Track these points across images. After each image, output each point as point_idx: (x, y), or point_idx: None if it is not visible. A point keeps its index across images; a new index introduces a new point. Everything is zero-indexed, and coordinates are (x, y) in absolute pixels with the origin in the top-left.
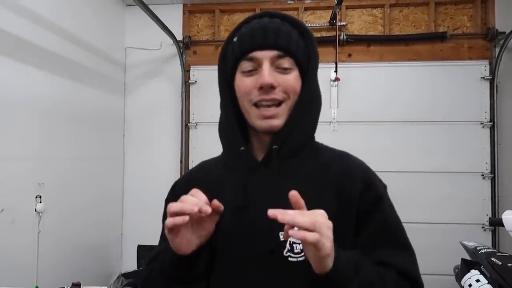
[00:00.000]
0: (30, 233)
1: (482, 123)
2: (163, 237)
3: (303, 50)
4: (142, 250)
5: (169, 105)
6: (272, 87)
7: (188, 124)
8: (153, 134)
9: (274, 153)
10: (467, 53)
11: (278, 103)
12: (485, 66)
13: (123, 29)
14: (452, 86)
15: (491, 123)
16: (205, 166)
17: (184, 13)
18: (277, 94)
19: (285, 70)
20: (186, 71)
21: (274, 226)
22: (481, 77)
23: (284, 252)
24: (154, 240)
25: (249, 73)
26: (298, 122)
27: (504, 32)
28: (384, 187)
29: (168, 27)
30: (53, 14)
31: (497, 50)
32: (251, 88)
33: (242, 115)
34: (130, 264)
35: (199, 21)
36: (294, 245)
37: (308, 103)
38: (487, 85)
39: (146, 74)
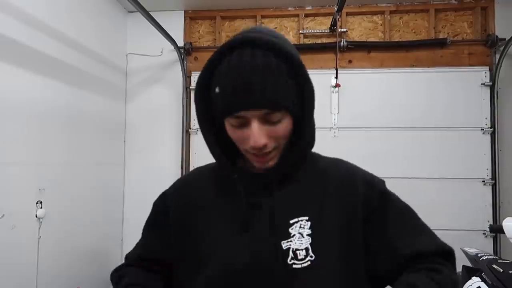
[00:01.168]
0: (30, 238)
1: (483, 129)
2: (140, 242)
3: (294, 93)
4: None
5: (170, 111)
6: (264, 145)
7: (189, 130)
8: (154, 140)
9: (274, 184)
10: (467, 60)
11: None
12: (485, 73)
13: (124, 36)
14: (453, 92)
15: (492, 129)
16: (199, 177)
17: (185, 20)
18: (269, 147)
19: (275, 123)
20: (187, 77)
21: (277, 236)
22: (481, 83)
23: (288, 260)
24: None
25: (238, 127)
26: (294, 159)
27: (504, 39)
28: (383, 182)
29: (170, 34)
30: (55, 21)
31: (497, 56)
32: (242, 139)
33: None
34: None
35: (200, 27)
36: (297, 251)
37: (305, 145)
38: (487, 91)
39: (147, 80)
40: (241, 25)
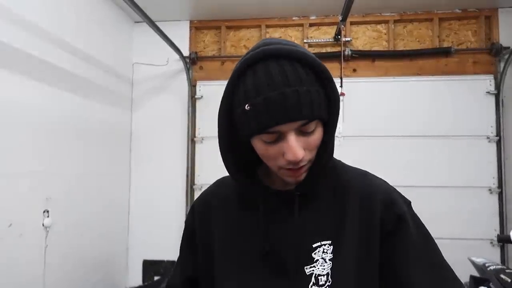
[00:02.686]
0: (37, 247)
1: (489, 138)
2: (177, 263)
3: (324, 102)
4: (148, 265)
5: (176, 120)
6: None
7: (194, 139)
8: (160, 149)
9: (296, 199)
10: (472, 68)
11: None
12: (490, 81)
13: (130, 45)
14: (458, 101)
15: (498, 138)
16: (221, 190)
17: (190, 29)
18: (304, 161)
19: (309, 134)
20: (192, 86)
21: (300, 260)
22: (486, 92)
23: (310, 285)
24: (160, 255)
25: (272, 143)
26: (321, 169)
27: (509, 47)
28: (408, 203)
29: (175, 43)
30: (62, 31)
31: (502, 65)
32: (276, 155)
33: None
34: (136, 278)
35: (206, 37)
36: (319, 277)
37: (330, 152)
38: (492, 99)
39: (153, 90)
40: (246, 35)
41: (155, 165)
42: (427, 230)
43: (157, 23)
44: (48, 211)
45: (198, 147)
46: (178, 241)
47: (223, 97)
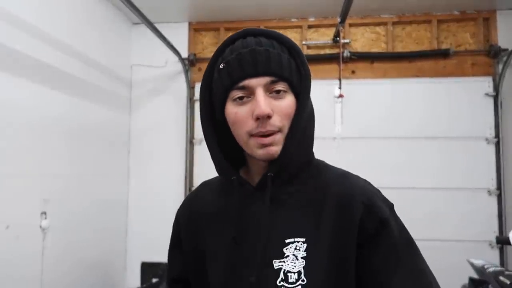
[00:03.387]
0: (34, 249)
1: (487, 139)
2: (167, 266)
3: (295, 72)
4: (146, 267)
5: (174, 122)
6: (268, 117)
7: (193, 140)
8: (158, 151)
9: (269, 181)
10: (470, 70)
11: (275, 132)
12: (488, 83)
13: (129, 47)
14: (456, 103)
15: (496, 139)
16: (204, 192)
17: (189, 31)
18: (274, 125)
19: (278, 95)
20: (191, 88)
21: (269, 253)
22: (485, 94)
23: (278, 281)
24: (158, 257)
25: (241, 100)
26: (295, 148)
27: (507, 49)
28: (390, 206)
29: (174, 45)
30: (60, 33)
31: (500, 66)
32: (245, 118)
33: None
34: (134, 280)
35: (204, 38)
36: (289, 274)
37: (303, 128)
38: (491, 101)
39: (152, 91)
40: None
41: (153, 166)
42: (409, 234)
43: (156, 25)
44: (45, 213)
45: (196, 148)
46: None
47: (202, 80)
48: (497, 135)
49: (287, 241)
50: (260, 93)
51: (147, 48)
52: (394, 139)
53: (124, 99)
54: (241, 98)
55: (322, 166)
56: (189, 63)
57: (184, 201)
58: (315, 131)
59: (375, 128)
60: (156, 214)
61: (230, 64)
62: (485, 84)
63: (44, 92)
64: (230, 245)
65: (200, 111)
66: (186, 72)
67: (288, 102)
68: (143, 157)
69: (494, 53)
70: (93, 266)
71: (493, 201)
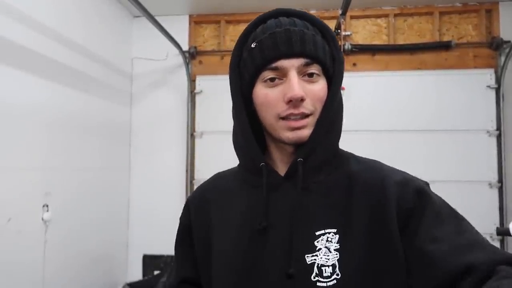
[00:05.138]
0: (36, 242)
1: (489, 132)
2: (174, 265)
3: (329, 55)
4: (148, 260)
5: (175, 115)
6: (301, 100)
7: (194, 134)
8: (160, 144)
9: (300, 166)
10: (472, 62)
11: (307, 115)
12: (490, 75)
13: (130, 40)
14: (458, 95)
15: (498, 132)
16: (218, 183)
17: (190, 24)
18: (306, 108)
19: (312, 78)
20: (192, 81)
21: (300, 247)
22: (486, 86)
23: (312, 276)
24: (160, 250)
25: (272, 82)
26: (324, 133)
27: (509, 41)
28: (426, 183)
29: (174, 38)
30: (61, 25)
31: (503, 59)
32: (276, 101)
33: (258, 124)
34: (136, 273)
35: (205, 31)
36: (323, 268)
37: (334, 113)
38: (493, 93)
39: (153, 84)
40: None
41: (155, 160)
42: (450, 205)
43: (156, 18)
44: (47, 206)
45: (197, 142)
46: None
47: (231, 61)
48: (498, 128)
49: (317, 233)
50: (293, 75)
51: (148, 41)
52: (395, 132)
53: (125, 92)
54: (272, 79)
55: (349, 154)
56: (190, 56)
57: (196, 190)
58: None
59: (376, 121)
60: (158, 207)
61: (263, 43)
62: (487, 76)
63: (44, 85)
64: (250, 237)
65: (230, 92)
66: (187, 65)
67: (321, 86)
68: (144, 150)
69: (496, 45)
70: (94, 259)
71: (494, 194)
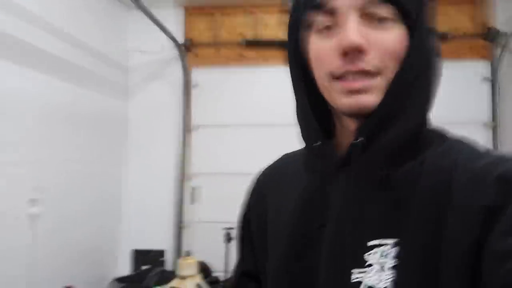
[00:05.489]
0: (24, 236)
1: (484, 124)
2: (237, 257)
3: None
4: (138, 255)
5: (172, 108)
6: (360, 51)
7: (189, 127)
8: (155, 137)
9: (355, 151)
10: (468, 54)
11: (371, 74)
12: (486, 67)
13: (125, 32)
14: (453, 87)
15: (494, 124)
16: (281, 165)
17: (185, 16)
18: (369, 64)
19: (381, 24)
20: (187, 74)
21: (345, 258)
22: (482, 78)
23: None
24: (150, 245)
25: (327, 30)
26: (401, 103)
27: (505, 33)
28: None
29: (170, 30)
30: (54, 17)
31: (498, 50)
32: (329, 55)
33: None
34: (125, 268)
35: (201, 23)
36: None
37: (417, 75)
38: (488, 85)
39: (148, 77)
40: (241, 22)
41: (149, 153)
42: None
43: (151, 10)
44: (36, 200)
45: (193, 135)
46: (169, 230)
47: (289, 14)
48: (494, 120)
49: (370, 243)
50: (351, 18)
51: (143, 33)
52: None
53: (120, 86)
54: (328, 28)
55: (440, 137)
56: (185, 48)
57: (261, 172)
58: None
59: None
60: (150, 202)
61: None
62: (483, 68)
63: (38, 78)
64: (297, 239)
65: (287, 57)
66: (183, 57)
67: (394, 35)
68: (139, 144)
69: (492, 36)
70: (82, 252)
71: None
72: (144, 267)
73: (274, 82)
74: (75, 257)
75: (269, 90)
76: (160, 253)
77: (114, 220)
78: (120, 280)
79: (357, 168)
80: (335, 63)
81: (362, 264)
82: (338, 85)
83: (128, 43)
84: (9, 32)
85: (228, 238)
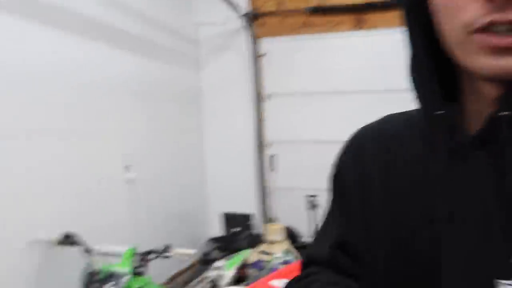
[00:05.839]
0: (123, 199)
1: None
2: (323, 226)
3: None
4: (228, 217)
5: (242, 78)
6: None
7: (261, 96)
8: (229, 107)
9: (505, 126)
10: None
11: None
12: None
13: (191, 5)
14: None
15: None
16: (387, 126)
17: None
18: None
19: None
20: (255, 44)
21: (488, 265)
22: None
23: None
24: (238, 208)
25: None
26: None
27: None
28: None
29: (235, 1)
30: None
31: None
32: (466, 2)
33: (442, 52)
34: (216, 229)
35: None
36: None
37: None
38: None
39: (218, 48)
40: None
41: (225, 122)
42: None
43: None
44: (129, 167)
45: (265, 104)
46: (253, 196)
47: None
48: None
49: None
50: None
51: (211, 5)
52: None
53: (191, 58)
54: None
55: None
56: (252, 18)
57: (356, 132)
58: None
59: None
60: (231, 166)
61: None
62: None
63: (117, 55)
64: (414, 229)
65: (402, 7)
66: (249, 27)
67: None
68: (215, 114)
69: None
70: (178, 215)
71: None
72: (233, 230)
73: (344, 49)
74: (170, 219)
75: (340, 57)
76: (247, 217)
77: (201, 185)
78: (215, 240)
79: (504, 148)
80: (477, 11)
81: (509, 272)
82: (479, 40)
83: (197, 16)
84: (82, 11)
85: (312, 205)
